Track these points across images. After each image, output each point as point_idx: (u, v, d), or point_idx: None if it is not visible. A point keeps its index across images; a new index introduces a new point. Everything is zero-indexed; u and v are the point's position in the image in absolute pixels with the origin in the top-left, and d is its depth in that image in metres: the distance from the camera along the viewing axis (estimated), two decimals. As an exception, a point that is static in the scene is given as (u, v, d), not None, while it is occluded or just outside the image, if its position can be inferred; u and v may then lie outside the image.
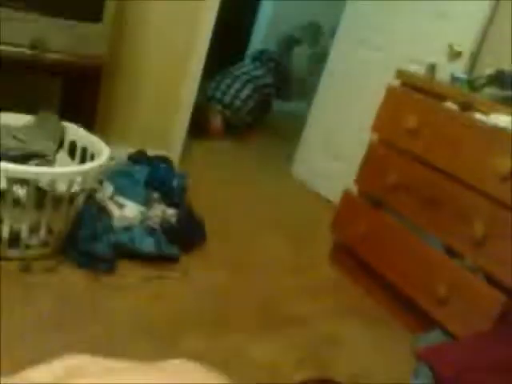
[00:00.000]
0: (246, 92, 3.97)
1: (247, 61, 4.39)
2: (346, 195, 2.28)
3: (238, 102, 3.94)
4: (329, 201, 3.01)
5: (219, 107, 3.92)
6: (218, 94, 3.95)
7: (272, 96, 4.26)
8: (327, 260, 2.40)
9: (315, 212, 2.96)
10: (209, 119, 3.83)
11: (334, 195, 2.66)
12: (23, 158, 1.81)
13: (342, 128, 3.05)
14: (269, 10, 4.81)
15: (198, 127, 3.48)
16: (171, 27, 2.71)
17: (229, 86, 3.97)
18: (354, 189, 2.30)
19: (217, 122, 3.87)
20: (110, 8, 2.06)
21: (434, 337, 1.69)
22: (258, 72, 4.14)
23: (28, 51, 1.88)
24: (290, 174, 3.46)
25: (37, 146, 1.90)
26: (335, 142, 3.10)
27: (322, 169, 3.19)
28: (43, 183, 1.69)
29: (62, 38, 1.96)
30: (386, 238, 2.06)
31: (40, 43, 1.88)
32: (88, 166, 1.81)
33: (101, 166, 1.81)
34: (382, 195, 2.12)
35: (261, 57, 4.33)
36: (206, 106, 3.81)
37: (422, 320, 1.89)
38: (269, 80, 4.16)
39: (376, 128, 2.17)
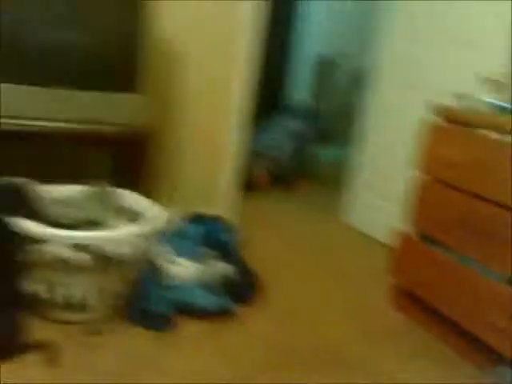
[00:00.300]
0: (287, 144, 4.15)
1: (284, 114, 4.55)
2: (399, 236, 2.27)
3: (281, 154, 4.10)
4: (379, 241, 3.00)
5: (265, 161, 4.05)
6: (263, 149, 4.09)
7: (310, 145, 4.45)
8: (385, 302, 2.37)
9: (367, 254, 2.96)
10: (255, 174, 3.96)
11: (385, 236, 2.65)
12: (83, 227, 1.92)
13: (387, 167, 3.07)
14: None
15: (247, 181, 3.60)
16: (210, 89, 2.85)
17: (272, 140, 4.14)
18: (405, 227, 2.28)
19: (263, 175, 4.01)
20: (149, 78, 2.21)
21: (502, 372, 1.63)
22: (297, 123, 4.31)
23: (77, 126, 2.04)
24: (338, 219, 3.50)
25: (95, 214, 2.02)
26: (381, 182, 3.12)
27: (371, 210, 3.20)
28: (103, 248, 1.78)
29: (106, 111, 2.10)
30: (445, 276, 2.02)
31: (86, 118, 2.03)
32: (144, 228, 1.90)
33: (156, 227, 1.90)
34: (436, 233, 2.10)
35: (298, 110, 4.51)
36: (251, 161, 3.93)
37: (490, 355, 1.82)
38: (307, 130, 4.33)
39: (419, 165, 2.18)
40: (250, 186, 3.80)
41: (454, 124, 2.05)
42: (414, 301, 2.21)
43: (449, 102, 2.21)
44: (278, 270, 2.56)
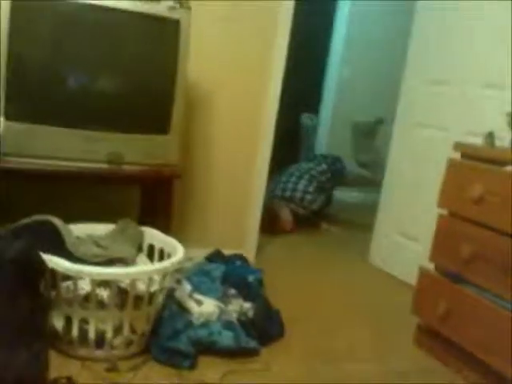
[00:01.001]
0: (312, 187, 4.20)
1: (310, 159, 4.66)
2: (423, 272, 2.24)
3: (307, 197, 4.15)
4: (405, 282, 2.97)
5: (291, 205, 4.12)
6: (288, 193, 4.18)
7: (335, 188, 4.59)
8: (411, 342, 2.33)
9: (394, 295, 2.92)
10: (281, 217, 3.99)
11: (412, 277, 2.62)
12: (106, 264, 1.94)
13: (414, 208, 3.07)
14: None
15: (271, 225, 3.71)
16: (236, 132, 2.91)
17: (296, 183, 4.22)
18: (430, 266, 2.26)
19: (289, 218, 4.03)
20: (177, 120, 2.27)
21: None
22: (320, 168, 4.39)
23: (106, 165, 2.10)
24: (364, 260, 3.48)
25: (118, 251, 2.05)
26: (408, 223, 3.11)
27: (398, 251, 3.18)
28: (124, 284, 1.80)
29: (135, 151, 2.17)
30: (469, 312, 1.99)
31: (116, 157, 2.09)
32: (164, 263, 1.91)
33: (176, 263, 1.91)
34: (459, 269, 2.07)
35: (320, 157, 4.64)
36: (276, 204, 3.98)
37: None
38: (330, 174, 4.41)
39: (443, 202, 2.17)
40: (277, 229, 3.85)
41: (476, 160, 2.06)
42: (437, 337, 2.16)
43: (475, 141, 2.23)
44: (301, 310, 2.53)
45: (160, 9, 2.20)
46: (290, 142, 4.94)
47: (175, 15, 2.22)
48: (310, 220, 4.20)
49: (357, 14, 5.04)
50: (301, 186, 4.18)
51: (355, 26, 5.06)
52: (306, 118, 5.34)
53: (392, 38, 4.72)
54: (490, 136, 2.13)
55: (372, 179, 4.74)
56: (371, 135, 5.08)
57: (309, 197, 4.15)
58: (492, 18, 2.68)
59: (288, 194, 4.16)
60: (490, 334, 1.89)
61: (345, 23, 5.08)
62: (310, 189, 4.18)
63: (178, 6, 2.22)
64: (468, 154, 2.12)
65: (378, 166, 4.41)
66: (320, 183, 4.27)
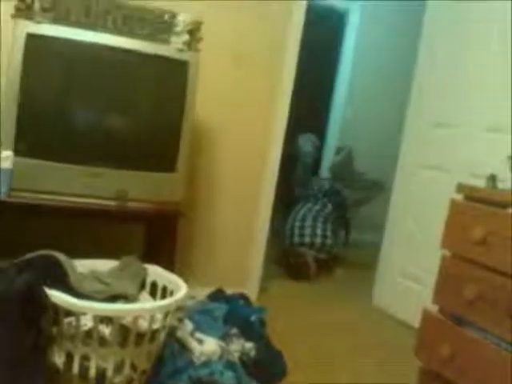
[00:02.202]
0: (329, 231, 4.20)
1: (312, 199, 4.59)
2: (426, 314, 2.23)
3: (328, 242, 4.15)
4: (409, 325, 2.94)
5: (312, 251, 4.08)
6: (307, 239, 4.14)
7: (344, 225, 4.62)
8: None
9: (396, 337, 2.91)
10: (309, 263, 3.98)
11: (416, 319, 2.60)
12: (108, 300, 1.94)
13: (418, 250, 3.07)
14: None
15: (299, 272, 3.83)
16: (240, 171, 2.95)
17: (313, 228, 4.18)
18: (434, 308, 2.24)
19: (314, 264, 4.01)
20: (183, 158, 2.31)
21: None
22: (327, 209, 4.38)
23: (112, 202, 2.12)
24: (368, 302, 3.46)
25: (121, 288, 2.05)
26: (412, 265, 3.11)
27: (402, 294, 3.16)
28: (126, 320, 1.79)
29: (141, 188, 2.20)
30: (472, 355, 1.96)
31: (122, 194, 2.11)
32: (167, 301, 1.91)
33: (179, 301, 1.90)
34: (462, 311, 2.05)
35: (326, 192, 4.60)
36: (302, 251, 4.01)
37: None
38: (336, 213, 4.42)
39: (445, 243, 2.17)
40: (302, 275, 3.86)
41: (479, 202, 2.07)
42: (439, 381, 2.12)
43: (477, 183, 2.25)
44: (304, 350, 2.51)
45: (169, 50, 2.27)
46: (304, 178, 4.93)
47: (184, 57, 2.29)
48: (329, 264, 4.18)
49: (359, 63, 5.16)
50: (319, 231, 4.16)
51: (358, 72, 5.16)
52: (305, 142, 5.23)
53: (395, 82, 4.81)
54: (492, 178, 2.15)
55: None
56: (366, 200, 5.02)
57: (329, 241, 4.15)
58: (495, 62, 2.75)
59: (308, 240, 4.13)
60: (493, 376, 1.87)
61: (347, 77, 5.19)
62: (328, 233, 4.18)
63: (186, 48, 2.28)
64: (470, 195, 2.14)
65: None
66: (334, 225, 4.29)
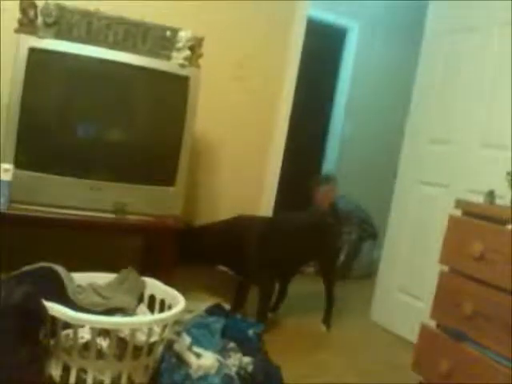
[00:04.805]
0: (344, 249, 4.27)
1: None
2: (424, 330, 2.23)
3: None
4: (408, 340, 2.94)
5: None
6: None
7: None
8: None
9: (394, 352, 2.89)
10: None
11: (414, 334, 2.59)
12: (106, 313, 1.94)
13: (417, 266, 3.07)
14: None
15: None
16: (239, 186, 2.96)
17: None
18: (432, 324, 2.24)
19: None
20: (182, 173, 2.32)
21: None
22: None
23: (111, 215, 2.13)
24: (367, 317, 3.45)
25: (119, 301, 2.04)
26: (411, 281, 3.10)
27: (401, 309, 3.16)
28: (124, 333, 1.79)
29: (141, 202, 2.21)
30: (470, 370, 1.96)
31: (122, 208, 2.12)
32: (164, 314, 1.91)
33: (176, 314, 1.90)
34: (461, 326, 2.05)
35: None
36: None
37: None
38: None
39: (443, 259, 2.18)
40: None
41: (477, 218, 2.08)
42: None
43: (476, 199, 2.26)
44: (302, 366, 2.50)
45: (171, 66, 2.30)
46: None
47: (185, 72, 2.31)
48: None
49: (358, 81, 5.19)
50: None
51: (356, 91, 5.20)
52: None
53: (393, 99, 4.84)
54: (491, 194, 2.16)
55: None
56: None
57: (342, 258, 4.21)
58: (493, 79, 2.77)
59: None
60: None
61: (346, 94, 5.23)
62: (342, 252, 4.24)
63: (187, 63, 2.31)
64: (469, 211, 2.15)
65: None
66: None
